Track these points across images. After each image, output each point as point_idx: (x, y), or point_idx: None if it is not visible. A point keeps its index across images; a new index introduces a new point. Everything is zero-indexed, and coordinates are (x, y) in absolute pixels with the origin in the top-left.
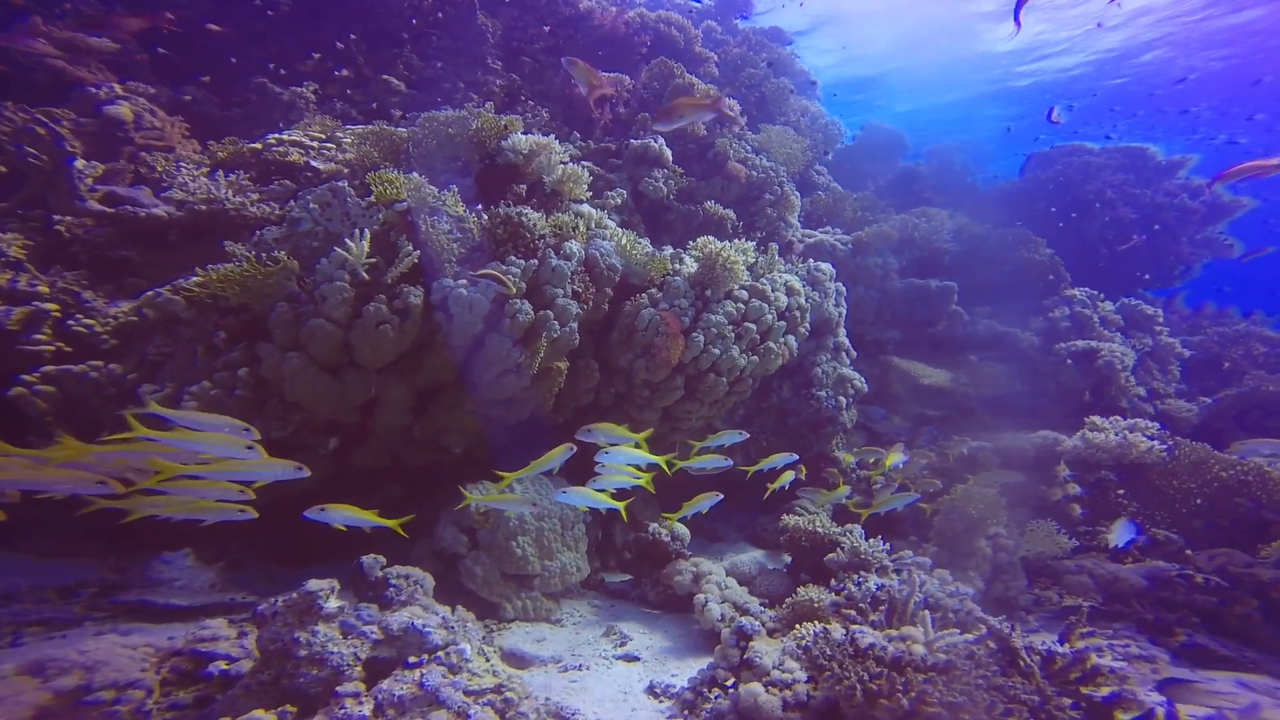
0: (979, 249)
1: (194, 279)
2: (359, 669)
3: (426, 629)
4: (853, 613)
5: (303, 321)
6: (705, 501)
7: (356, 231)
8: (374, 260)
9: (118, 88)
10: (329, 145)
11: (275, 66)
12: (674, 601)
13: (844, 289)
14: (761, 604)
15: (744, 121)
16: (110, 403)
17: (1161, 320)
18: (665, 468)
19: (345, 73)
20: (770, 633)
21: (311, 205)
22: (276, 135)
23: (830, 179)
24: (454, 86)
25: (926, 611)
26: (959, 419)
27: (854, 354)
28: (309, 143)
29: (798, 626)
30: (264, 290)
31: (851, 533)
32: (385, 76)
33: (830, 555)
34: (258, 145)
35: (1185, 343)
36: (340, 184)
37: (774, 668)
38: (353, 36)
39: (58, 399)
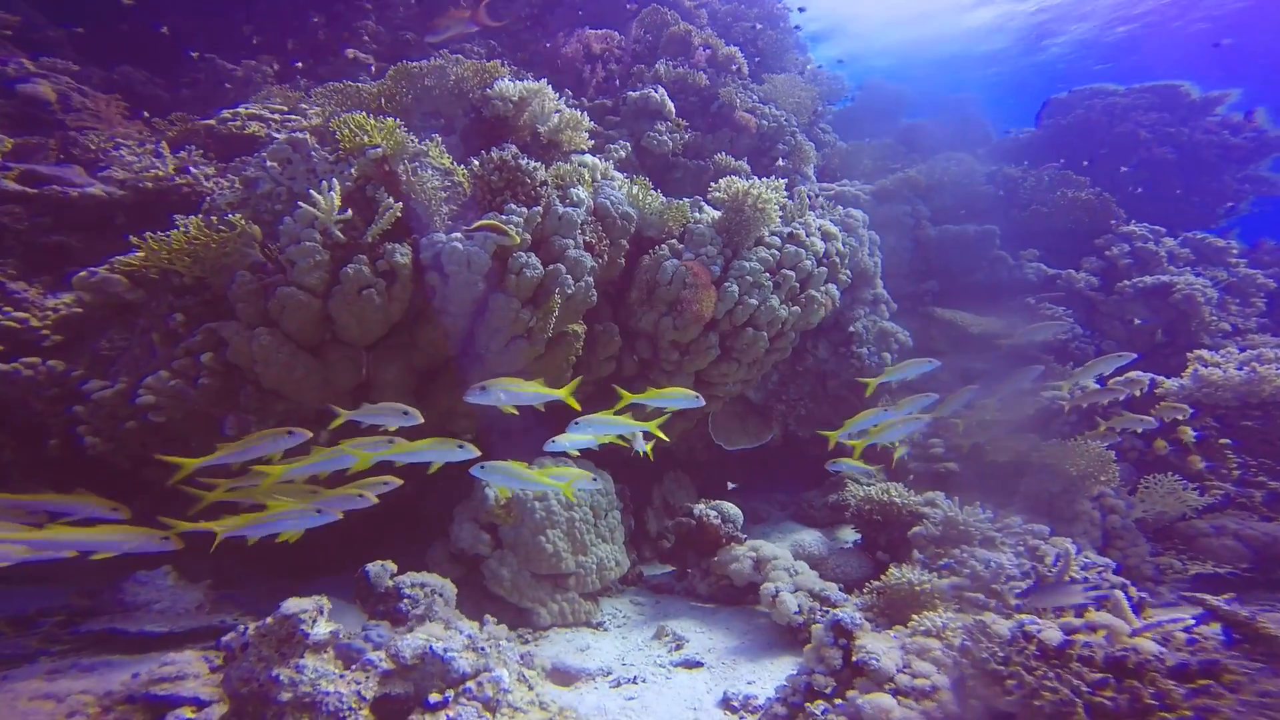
0: (1012, 193)
1: (135, 253)
2: (365, 712)
3: (449, 654)
4: (981, 596)
5: (270, 292)
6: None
7: (324, 184)
8: (349, 217)
9: (29, 64)
10: (293, 117)
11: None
12: (730, 593)
13: (877, 238)
14: (840, 590)
15: (746, 73)
16: (53, 404)
17: (1236, 251)
18: (661, 436)
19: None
20: None
21: (269, 163)
22: (231, 109)
23: (835, 137)
24: (426, 57)
25: (1120, 592)
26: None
27: (894, 306)
28: (270, 115)
29: (915, 618)
30: (221, 260)
31: (938, 500)
32: (351, 51)
33: (916, 529)
34: (211, 121)
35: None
36: (301, 136)
37: (899, 671)
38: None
39: None
